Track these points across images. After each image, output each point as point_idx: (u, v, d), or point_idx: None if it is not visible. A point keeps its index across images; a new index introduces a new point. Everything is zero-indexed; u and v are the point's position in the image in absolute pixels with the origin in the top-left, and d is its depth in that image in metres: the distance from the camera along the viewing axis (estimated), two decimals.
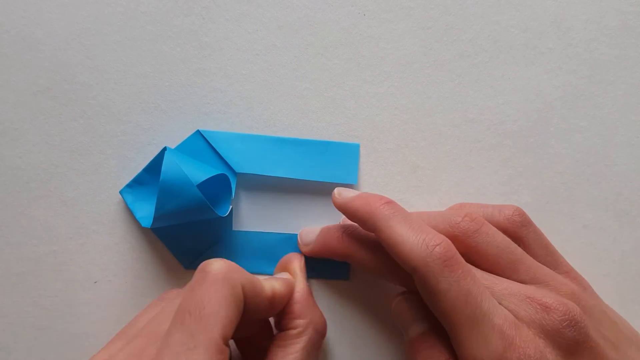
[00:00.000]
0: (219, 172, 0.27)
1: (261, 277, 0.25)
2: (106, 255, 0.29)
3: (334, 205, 0.27)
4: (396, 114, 0.30)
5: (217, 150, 0.29)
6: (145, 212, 0.28)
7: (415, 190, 0.30)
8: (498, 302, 0.23)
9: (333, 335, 0.30)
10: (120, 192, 0.29)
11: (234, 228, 0.29)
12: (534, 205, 0.30)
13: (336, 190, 0.27)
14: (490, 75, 0.30)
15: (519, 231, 0.26)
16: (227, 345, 0.21)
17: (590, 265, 0.30)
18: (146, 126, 0.29)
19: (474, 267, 0.24)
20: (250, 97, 0.30)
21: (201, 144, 0.29)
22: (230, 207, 0.28)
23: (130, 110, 0.29)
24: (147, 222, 0.28)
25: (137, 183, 0.29)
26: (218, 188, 0.28)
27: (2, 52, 0.29)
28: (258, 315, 0.24)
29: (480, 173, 0.30)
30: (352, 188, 0.29)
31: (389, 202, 0.25)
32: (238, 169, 0.29)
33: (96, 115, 0.29)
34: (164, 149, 0.27)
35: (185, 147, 0.29)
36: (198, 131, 0.29)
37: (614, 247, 0.30)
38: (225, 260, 0.22)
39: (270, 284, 0.25)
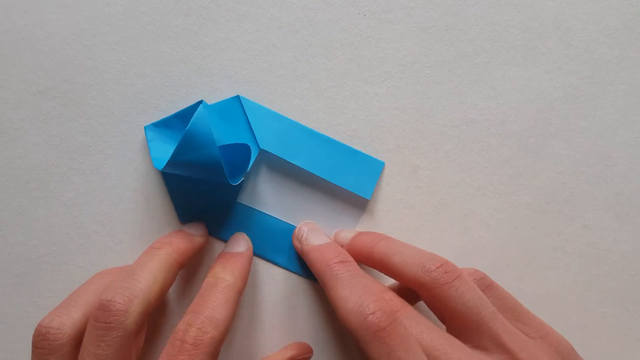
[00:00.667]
0: (243, 142, 0.27)
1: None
2: (106, 255, 0.29)
3: (295, 249, 0.28)
4: (396, 114, 0.30)
5: (250, 120, 0.29)
6: (161, 155, 0.28)
7: (415, 191, 0.30)
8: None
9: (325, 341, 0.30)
10: (145, 128, 0.29)
11: (239, 200, 0.29)
12: (534, 205, 0.30)
13: (304, 235, 0.28)
14: (491, 75, 0.30)
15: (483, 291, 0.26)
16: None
17: (590, 265, 0.30)
18: None
19: (430, 329, 0.23)
20: (250, 97, 0.30)
21: (237, 109, 0.29)
22: (242, 178, 0.28)
23: (130, 110, 0.29)
24: (159, 164, 0.27)
25: (164, 125, 0.29)
26: (237, 156, 0.28)
27: (2, 52, 0.29)
28: None
29: (480, 173, 0.30)
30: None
31: (342, 262, 0.25)
32: (262, 145, 0.29)
33: (96, 115, 0.29)
34: (200, 101, 0.27)
35: (220, 108, 0.29)
36: (237, 96, 0.29)
37: (614, 247, 0.30)
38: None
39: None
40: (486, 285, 0.26)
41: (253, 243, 0.29)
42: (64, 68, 0.29)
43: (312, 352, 0.27)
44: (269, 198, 0.30)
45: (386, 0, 0.30)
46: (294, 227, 0.29)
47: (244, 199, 0.29)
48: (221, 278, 0.25)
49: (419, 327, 0.23)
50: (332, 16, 0.30)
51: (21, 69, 0.29)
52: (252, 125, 0.29)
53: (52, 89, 0.29)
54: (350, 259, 0.25)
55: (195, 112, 0.25)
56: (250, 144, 0.28)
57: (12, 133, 0.29)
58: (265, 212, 0.30)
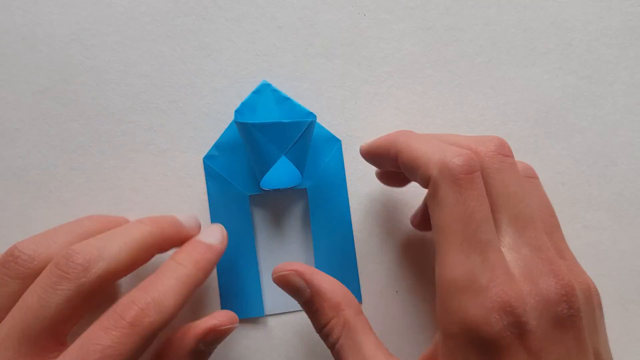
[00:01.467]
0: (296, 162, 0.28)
1: None
2: None
3: (362, 155, 0.27)
4: (396, 114, 0.30)
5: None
6: (246, 109, 0.29)
7: (416, 191, 0.30)
8: (504, 243, 0.21)
9: None
10: (264, 81, 0.29)
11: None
12: None
13: (362, 145, 0.27)
14: (491, 75, 0.30)
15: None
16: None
17: (590, 265, 0.30)
18: (146, 126, 0.29)
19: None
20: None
21: (333, 150, 0.30)
22: (268, 190, 0.28)
23: (130, 110, 0.29)
24: (239, 116, 0.28)
25: (275, 95, 0.29)
26: (285, 171, 0.29)
27: (2, 52, 0.29)
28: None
29: None
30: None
31: (408, 131, 0.24)
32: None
33: (96, 115, 0.29)
34: (313, 115, 0.28)
35: (319, 134, 0.30)
36: (339, 142, 0.30)
37: (614, 247, 0.30)
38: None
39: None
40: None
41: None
42: (64, 68, 0.29)
43: (237, 321, 0.25)
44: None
45: (386, 0, 0.30)
46: None
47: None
48: (183, 265, 0.24)
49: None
50: (332, 16, 0.30)
51: (21, 69, 0.29)
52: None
53: (52, 89, 0.29)
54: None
55: (304, 121, 0.26)
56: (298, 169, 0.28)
57: (12, 133, 0.29)
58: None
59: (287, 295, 0.25)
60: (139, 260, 0.24)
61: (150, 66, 0.29)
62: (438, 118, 0.30)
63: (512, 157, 0.22)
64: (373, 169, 0.29)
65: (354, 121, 0.30)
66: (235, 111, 0.28)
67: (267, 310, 0.29)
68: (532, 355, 0.19)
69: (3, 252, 0.23)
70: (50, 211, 0.29)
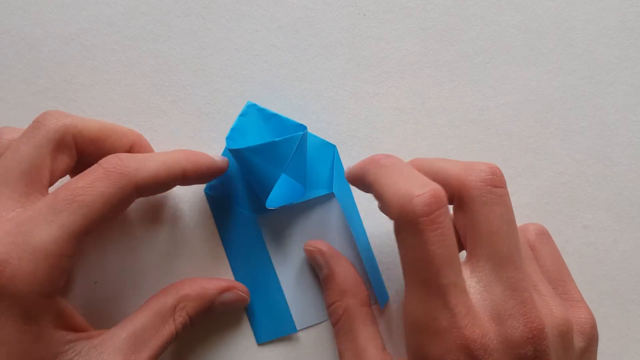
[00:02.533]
0: (301, 181, 0.28)
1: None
2: (106, 255, 0.29)
3: (347, 179, 0.26)
4: (396, 114, 0.30)
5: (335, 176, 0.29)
6: (236, 134, 0.28)
7: None
8: (470, 274, 0.20)
9: None
10: (248, 103, 0.29)
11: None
12: (534, 206, 0.30)
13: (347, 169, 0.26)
14: (491, 75, 0.30)
15: (534, 239, 0.25)
16: (86, 236, 0.22)
17: (590, 265, 0.30)
18: (146, 126, 0.29)
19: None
20: (250, 98, 0.30)
21: (327, 156, 0.30)
22: (274, 208, 0.28)
23: (130, 110, 0.29)
24: (229, 143, 0.27)
25: (262, 116, 0.29)
26: (287, 189, 0.29)
27: (2, 52, 0.29)
28: (165, 191, 0.26)
29: None
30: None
31: (388, 156, 0.23)
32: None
33: (96, 115, 0.29)
34: (304, 127, 0.27)
35: (315, 144, 0.29)
36: (334, 147, 0.29)
37: (614, 247, 0.30)
38: (126, 155, 0.23)
39: (180, 163, 0.25)
40: (547, 235, 0.25)
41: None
42: (64, 68, 0.29)
43: (248, 297, 0.28)
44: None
45: (386, 0, 0.30)
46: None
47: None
48: (176, 151, 0.25)
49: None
50: (332, 16, 0.30)
51: (21, 69, 0.29)
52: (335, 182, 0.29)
53: (52, 89, 0.29)
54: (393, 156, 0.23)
55: (296, 135, 0.25)
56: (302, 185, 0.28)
57: None
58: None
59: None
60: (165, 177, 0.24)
61: (150, 66, 0.29)
62: (438, 118, 0.30)
63: (504, 187, 0.21)
64: None
65: (354, 121, 0.30)
66: (227, 138, 0.27)
67: (299, 325, 0.29)
68: None
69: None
70: None
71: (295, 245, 0.29)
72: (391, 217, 0.21)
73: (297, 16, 0.30)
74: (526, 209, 0.30)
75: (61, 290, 0.22)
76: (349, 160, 0.30)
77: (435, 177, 0.21)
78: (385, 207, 0.21)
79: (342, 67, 0.30)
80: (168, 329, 0.24)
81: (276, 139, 0.25)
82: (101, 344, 0.22)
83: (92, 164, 0.22)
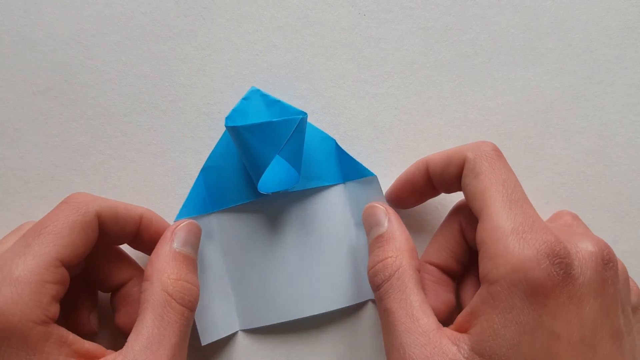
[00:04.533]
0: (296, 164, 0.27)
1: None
2: None
3: (392, 197, 0.29)
4: (396, 114, 0.30)
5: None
6: (237, 115, 0.28)
7: None
8: None
9: None
10: (252, 88, 0.29)
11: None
12: (534, 206, 0.30)
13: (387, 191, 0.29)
14: (490, 75, 0.30)
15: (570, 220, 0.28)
16: (64, 267, 0.22)
17: None
18: (146, 126, 0.29)
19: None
20: None
21: (329, 148, 0.29)
22: (268, 193, 0.28)
23: (130, 110, 0.29)
24: (230, 120, 0.28)
25: (265, 101, 0.29)
26: (282, 172, 0.28)
27: (3, 52, 0.29)
28: (125, 238, 0.26)
29: None
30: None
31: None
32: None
33: (96, 115, 0.29)
34: (304, 113, 0.27)
35: (314, 134, 0.29)
36: (334, 141, 0.29)
37: (614, 247, 0.30)
38: (86, 193, 0.24)
39: (140, 209, 0.26)
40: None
41: None
42: (64, 68, 0.29)
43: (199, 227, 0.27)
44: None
45: (386, 0, 0.30)
46: None
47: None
48: (137, 206, 0.26)
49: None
50: (332, 16, 0.30)
51: (21, 69, 0.29)
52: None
53: (52, 89, 0.29)
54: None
55: (295, 118, 0.25)
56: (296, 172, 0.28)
57: (12, 133, 0.29)
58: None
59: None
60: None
61: (150, 66, 0.29)
62: (438, 118, 0.30)
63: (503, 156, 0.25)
64: (373, 170, 0.29)
65: (354, 121, 0.30)
66: (226, 118, 0.27)
67: (245, 325, 0.29)
68: (573, 301, 0.20)
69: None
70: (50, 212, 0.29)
71: (294, 234, 0.29)
72: (461, 163, 0.24)
73: (297, 16, 0.30)
74: None
75: (82, 329, 0.24)
76: None
77: (451, 160, 0.25)
78: (452, 158, 0.25)
79: (342, 67, 0.30)
80: (174, 313, 0.23)
81: (274, 119, 0.25)
82: None
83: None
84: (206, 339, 0.28)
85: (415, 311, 0.22)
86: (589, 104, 0.31)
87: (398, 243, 0.25)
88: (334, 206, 0.29)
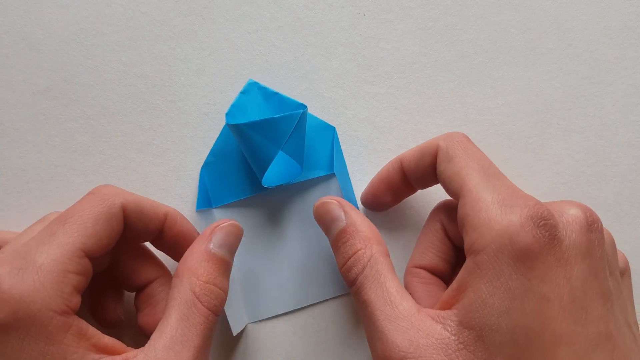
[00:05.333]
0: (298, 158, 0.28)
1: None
2: None
3: (366, 201, 0.29)
4: (396, 114, 0.30)
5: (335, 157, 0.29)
6: (237, 111, 0.28)
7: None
8: None
9: None
10: (250, 80, 0.29)
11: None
12: None
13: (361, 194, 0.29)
14: (490, 75, 0.30)
15: None
16: (87, 257, 0.22)
17: None
18: (146, 126, 0.29)
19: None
20: None
21: (326, 137, 0.30)
22: (271, 187, 0.28)
23: (130, 110, 0.29)
24: (230, 118, 0.28)
25: (263, 94, 0.29)
26: (285, 166, 0.28)
27: (2, 52, 0.29)
28: (149, 235, 0.25)
29: None
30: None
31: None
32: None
33: (96, 115, 0.29)
34: (304, 106, 0.27)
35: (314, 125, 0.29)
36: (334, 128, 0.30)
37: None
38: (112, 186, 0.24)
39: (165, 208, 0.26)
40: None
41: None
42: (64, 68, 0.29)
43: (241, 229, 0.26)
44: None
45: (386, 0, 0.30)
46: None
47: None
48: (163, 204, 0.26)
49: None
50: (332, 16, 0.30)
51: (21, 69, 0.29)
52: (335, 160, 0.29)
53: (52, 89, 0.29)
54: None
55: (296, 113, 0.26)
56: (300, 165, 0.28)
57: (12, 133, 0.29)
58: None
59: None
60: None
61: (150, 66, 0.29)
62: (438, 118, 0.30)
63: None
64: (373, 170, 0.29)
65: (354, 121, 0.30)
66: (226, 114, 0.28)
67: (252, 319, 0.29)
68: (560, 263, 0.20)
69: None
70: (51, 211, 0.29)
71: (295, 225, 0.29)
72: (434, 151, 0.25)
73: (297, 16, 0.30)
74: None
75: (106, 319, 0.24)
76: (349, 160, 0.30)
77: (424, 152, 0.26)
78: (426, 149, 0.26)
79: (342, 67, 0.30)
80: (199, 315, 0.22)
81: (275, 116, 0.26)
82: None
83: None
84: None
85: (393, 297, 0.22)
86: (589, 104, 0.31)
87: (363, 233, 0.24)
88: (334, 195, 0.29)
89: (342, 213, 0.25)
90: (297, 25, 0.30)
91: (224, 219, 0.26)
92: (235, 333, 0.28)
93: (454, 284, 0.22)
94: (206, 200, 0.29)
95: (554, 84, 0.31)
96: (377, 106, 0.30)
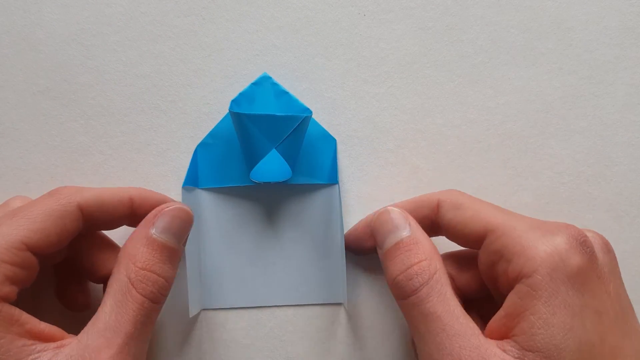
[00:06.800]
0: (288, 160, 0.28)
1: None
2: None
3: (349, 244, 0.29)
4: (396, 114, 0.30)
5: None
6: (243, 100, 0.28)
7: (415, 191, 0.30)
8: None
9: None
10: (265, 74, 0.29)
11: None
12: (534, 206, 0.30)
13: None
14: (490, 75, 0.30)
15: None
16: (30, 251, 0.22)
17: None
18: (146, 126, 0.29)
19: None
20: None
21: (328, 148, 0.30)
22: (260, 182, 0.28)
23: (130, 110, 0.29)
24: (234, 106, 0.27)
25: (273, 88, 0.29)
26: (277, 167, 0.29)
27: (3, 52, 0.29)
28: (119, 221, 0.25)
29: (480, 173, 0.30)
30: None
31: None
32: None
33: (96, 115, 0.29)
34: (309, 111, 0.27)
35: (316, 131, 0.30)
36: (334, 141, 0.30)
37: (614, 247, 0.30)
38: (72, 186, 0.25)
39: (129, 191, 0.25)
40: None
41: None
42: (64, 68, 0.29)
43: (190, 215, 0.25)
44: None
45: (386, 0, 0.30)
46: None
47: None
48: (124, 187, 0.26)
49: None
50: (332, 16, 0.30)
51: (21, 69, 0.29)
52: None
53: (52, 89, 0.29)
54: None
55: (299, 115, 0.26)
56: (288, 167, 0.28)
57: (12, 133, 0.29)
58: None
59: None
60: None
61: (150, 66, 0.29)
62: (438, 118, 0.30)
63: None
64: (373, 170, 0.29)
65: (354, 121, 0.30)
66: (232, 101, 0.27)
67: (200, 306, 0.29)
68: (600, 280, 0.21)
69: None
70: None
71: (278, 225, 0.29)
72: (434, 205, 0.26)
73: (297, 16, 0.30)
74: (526, 209, 0.30)
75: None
76: (349, 160, 0.30)
77: (420, 204, 0.26)
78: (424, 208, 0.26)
79: (342, 67, 0.30)
80: (133, 302, 0.22)
81: (278, 114, 0.26)
82: (70, 350, 0.21)
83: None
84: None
85: (460, 315, 0.22)
86: (589, 104, 0.31)
87: (427, 247, 0.24)
88: (324, 206, 0.29)
89: (407, 224, 0.25)
90: (297, 25, 0.30)
91: (171, 202, 0.25)
92: (190, 315, 0.27)
93: (501, 312, 0.22)
94: (194, 179, 0.29)
95: (554, 84, 0.31)
96: (377, 106, 0.30)
